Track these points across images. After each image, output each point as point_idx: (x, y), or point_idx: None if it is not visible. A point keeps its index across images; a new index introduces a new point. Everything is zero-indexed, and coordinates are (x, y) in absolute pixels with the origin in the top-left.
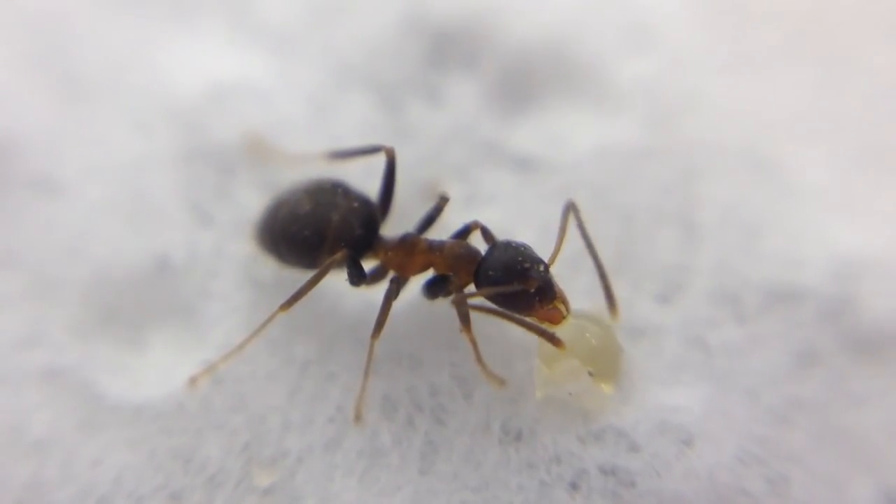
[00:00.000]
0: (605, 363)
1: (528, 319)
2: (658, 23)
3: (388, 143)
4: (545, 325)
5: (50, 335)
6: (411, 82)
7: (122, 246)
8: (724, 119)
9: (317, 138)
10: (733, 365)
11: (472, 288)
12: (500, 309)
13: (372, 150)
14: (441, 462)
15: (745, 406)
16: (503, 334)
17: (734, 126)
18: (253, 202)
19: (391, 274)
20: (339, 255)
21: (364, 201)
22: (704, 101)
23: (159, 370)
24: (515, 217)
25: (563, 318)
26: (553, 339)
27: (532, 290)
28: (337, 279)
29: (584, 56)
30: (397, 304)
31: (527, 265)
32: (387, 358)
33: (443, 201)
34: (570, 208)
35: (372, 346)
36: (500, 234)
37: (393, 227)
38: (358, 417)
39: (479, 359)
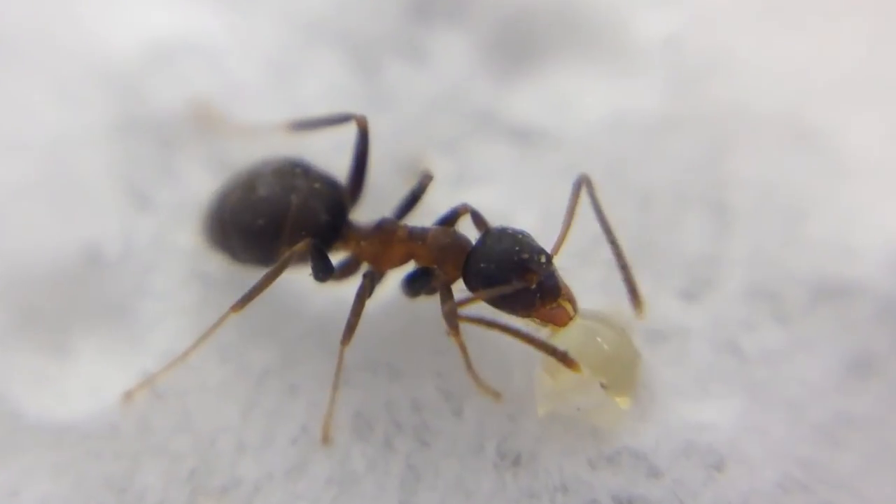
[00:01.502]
0: (620, 372)
1: (534, 335)
2: None
3: (360, 111)
4: (549, 329)
5: None
6: (389, 38)
7: (43, 235)
8: (760, 82)
9: (276, 106)
10: (773, 374)
11: (461, 286)
12: (501, 322)
13: (341, 120)
14: (425, 490)
15: (786, 423)
16: (499, 338)
17: (772, 90)
18: (200, 183)
19: (364, 267)
20: (300, 246)
21: (330, 182)
22: (737, 61)
23: (88, 383)
24: (513, 199)
25: (570, 319)
26: (565, 360)
27: (532, 287)
28: (299, 274)
29: (596, 7)
30: (372, 304)
31: (526, 256)
32: (360, 367)
33: (426, 180)
34: (583, 184)
35: (342, 353)
36: (495, 220)
37: (366, 212)
38: (326, 438)
39: (469, 367)
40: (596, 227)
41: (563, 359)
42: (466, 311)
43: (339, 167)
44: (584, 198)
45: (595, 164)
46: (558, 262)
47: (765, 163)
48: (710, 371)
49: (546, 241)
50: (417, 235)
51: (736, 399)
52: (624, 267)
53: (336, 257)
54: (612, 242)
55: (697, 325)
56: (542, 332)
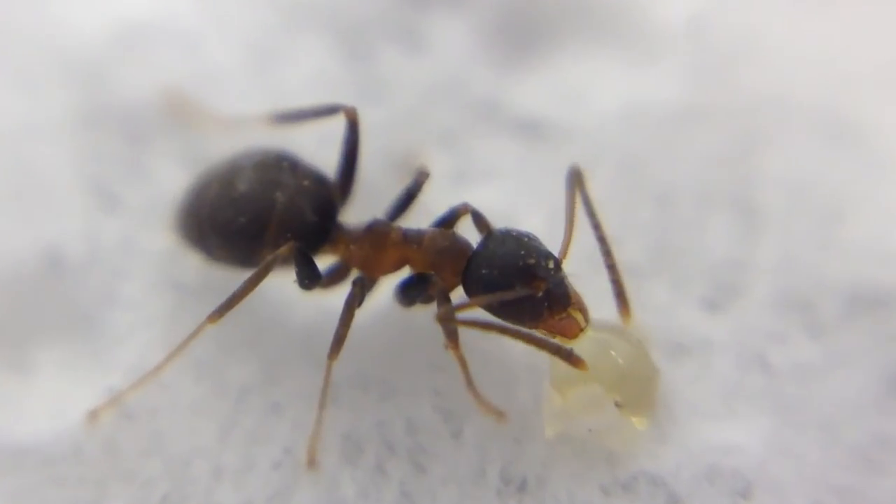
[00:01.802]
0: (637, 389)
1: (534, 333)
2: None
3: (349, 102)
4: (557, 340)
5: None
6: (382, 21)
7: (1, 238)
8: (793, 70)
9: (257, 96)
10: (805, 392)
11: (461, 294)
12: (499, 322)
13: (328, 112)
14: None
15: (820, 446)
16: (503, 351)
17: (806, 79)
18: (172, 181)
19: (354, 273)
20: (285, 250)
21: (319, 178)
22: (766, 47)
23: (49, 401)
24: (518, 198)
25: (581, 330)
26: (570, 358)
27: (539, 295)
28: (283, 281)
29: None
30: (362, 314)
31: (532, 261)
32: (349, 384)
33: (422, 177)
34: (574, 179)
35: (329, 368)
36: (498, 221)
37: (357, 213)
38: (312, 462)
39: (470, 384)
40: (610, 229)
41: (568, 357)
42: (463, 316)
43: (326, 162)
44: (593, 194)
45: (609, 160)
46: (568, 268)
47: (797, 159)
48: (736, 388)
49: (555, 245)
50: (413, 238)
51: (764, 419)
52: (612, 266)
53: (323, 262)
54: (600, 239)
55: (722, 338)
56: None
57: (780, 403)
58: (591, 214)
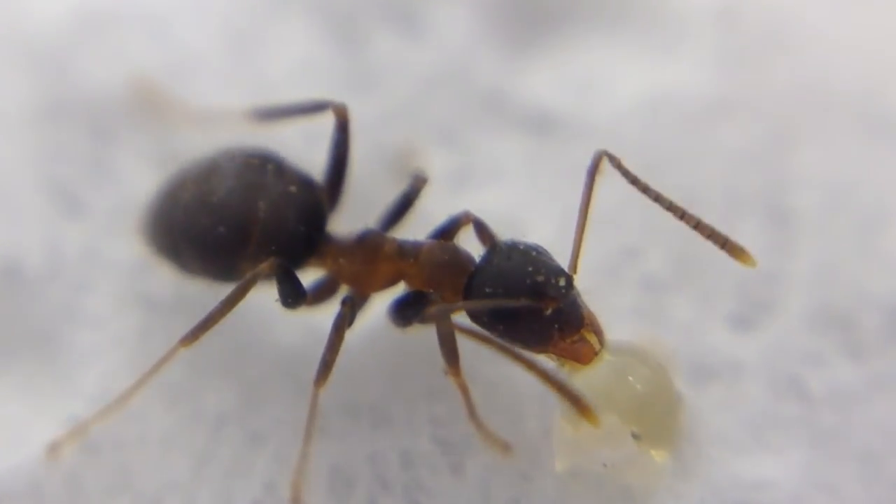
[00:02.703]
0: (657, 419)
1: (539, 361)
2: None
3: (340, 94)
4: (569, 367)
5: None
6: (377, 4)
7: None
8: (832, 59)
9: (237, 87)
10: (845, 420)
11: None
12: (497, 339)
13: (315, 109)
14: None
15: (861, 480)
16: (509, 377)
17: (846, 69)
18: (142, 182)
19: (344, 290)
20: (265, 267)
21: (305, 183)
22: (803, 33)
23: (5, 431)
24: (526, 202)
25: (595, 354)
26: (580, 405)
27: (549, 315)
28: (265, 298)
29: None
30: (352, 335)
31: (541, 278)
32: (338, 412)
33: (420, 182)
34: (599, 166)
35: (316, 395)
36: (504, 232)
37: (347, 221)
38: (296, 499)
39: (472, 413)
40: (628, 236)
41: (578, 403)
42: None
43: (312, 162)
44: (603, 193)
45: (627, 160)
46: (580, 282)
47: (835, 158)
48: (768, 416)
49: (565, 254)
50: (409, 251)
51: (799, 451)
52: (698, 224)
53: (309, 277)
54: (671, 208)
55: (753, 360)
56: (561, 371)
57: (816, 433)
58: (645, 189)
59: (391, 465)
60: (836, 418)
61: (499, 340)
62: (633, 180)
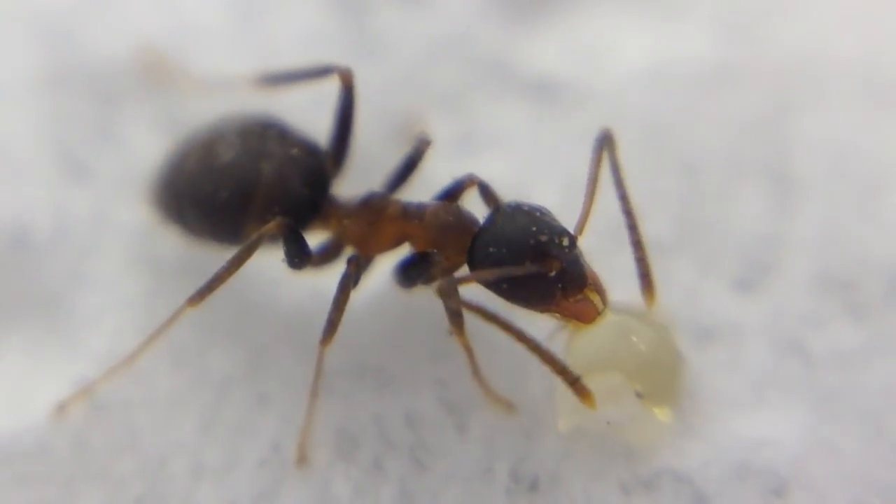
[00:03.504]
0: (660, 378)
1: (542, 344)
2: None
3: (344, 61)
4: (572, 326)
5: None
6: None
7: None
8: (832, 26)
9: (242, 54)
10: (845, 380)
11: (465, 271)
12: (503, 318)
13: (320, 73)
14: None
15: (862, 439)
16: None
17: (846, 36)
18: (147, 149)
19: (348, 251)
20: (272, 226)
21: (309, 147)
22: (806, 1)
23: (13, 391)
24: (530, 168)
25: (598, 313)
26: (576, 385)
27: (552, 274)
28: (270, 259)
29: None
30: (357, 296)
31: (544, 238)
32: (343, 373)
33: (423, 145)
34: (605, 143)
35: (321, 355)
36: (508, 194)
37: (351, 184)
38: (302, 459)
39: (476, 373)
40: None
41: (575, 384)
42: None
43: (317, 128)
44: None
45: (630, 125)
46: (584, 244)
47: (837, 123)
48: (770, 377)
49: (570, 220)
50: (413, 213)
51: (801, 411)
52: (637, 242)
53: (315, 239)
54: (627, 213)
55: (754, 322)
56: (564, 331)
57: (818, 393)
58: (620, 184)
59: (396, 426)
60: (837, 379)
61: (506, 320)
62: (615, 171)
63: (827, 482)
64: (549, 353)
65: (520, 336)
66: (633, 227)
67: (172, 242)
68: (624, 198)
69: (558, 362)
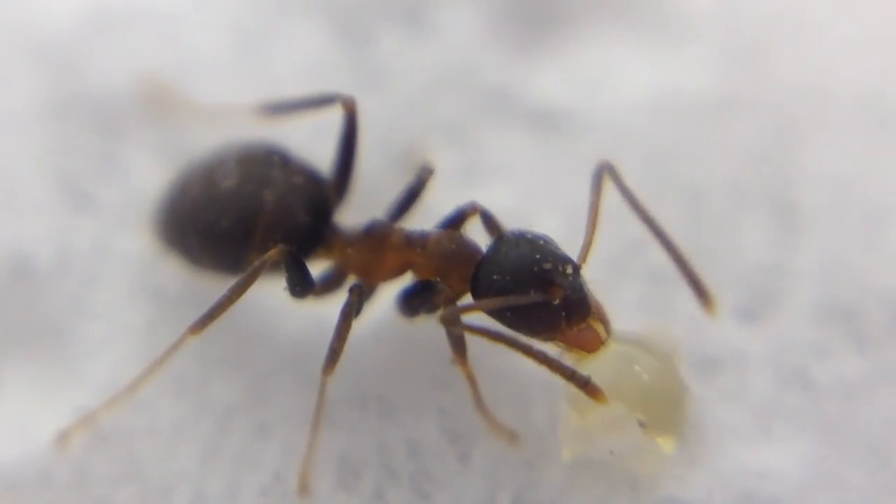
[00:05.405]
0: (663, 408)
1: (548, 353)
2: None
3: (346, 91)
4: (575, 355)
5: None
6: (383, 2)
7: None
8: (836, 56)
9: (244, 84)
10: (850, 410)
11: (468, 300)
12: (509, 335)
13: (324, 102)
14: None
15: (867, 470)
16: (515, 367)
17: (850, 66)
18: (150, 178)
19: (351, 280)
20: (273, 254)
21: (312, 175)
22: (806, 30)
23: (15, 421)
24: (532, 197)
25: (602, 343)
26: (587, 386)
27: (556, 303)
28: (272, 288)
29: None
30: (360, 325)
31: (548, 266)
32: (345, 402)
33: (426, 174)
34: (605, 174)
35: (323, 384)
36: (510, 223)
37: (354, 213)
38: (304, 488)
39: (479, 403)
40: (633, 230)
41: (585, 386)
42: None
43: (320, 157)
44: (613, 192)
45: (633, 155)
46: (588, 274)
47: (839, 153)
48: (774, 407)
49: (573, 249)
50: (416, 241)
51: (805, 441)
52: (678, 259)
53: (317, 268)
54: (658, 234)
55: (758, 351)
56: (568, 359)
57: (822, 424)
58: (639, 209)
59: (398, 455)
60: (842, 409)
61: (509, 337)
62: (629, 197)
63: None
64: (556, 362)
65: (526, 350)
66: (669, 246)
67: (174, 272)
68: (648, 220)
69: (567, 369)
